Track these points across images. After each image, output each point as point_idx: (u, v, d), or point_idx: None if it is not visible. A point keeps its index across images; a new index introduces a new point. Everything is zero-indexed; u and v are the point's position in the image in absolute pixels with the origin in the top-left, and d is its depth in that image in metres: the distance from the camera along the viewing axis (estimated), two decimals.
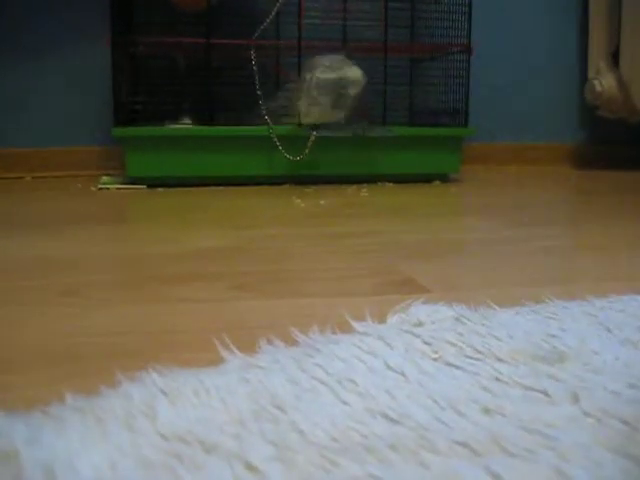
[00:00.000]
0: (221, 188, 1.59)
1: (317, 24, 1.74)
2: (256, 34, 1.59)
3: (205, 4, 1.56)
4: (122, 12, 1.64)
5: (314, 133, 1.59)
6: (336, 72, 1.54)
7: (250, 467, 0.32)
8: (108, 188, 1.57)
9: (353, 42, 1.82)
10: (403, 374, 0.44)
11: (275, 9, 1.60)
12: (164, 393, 0.40)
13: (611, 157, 2.26)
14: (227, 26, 1.68)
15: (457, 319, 0.54)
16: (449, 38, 1.76)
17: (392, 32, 1.71)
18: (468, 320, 0.54)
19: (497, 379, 0.43)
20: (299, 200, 1.37)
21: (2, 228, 1.05)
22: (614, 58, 2.08)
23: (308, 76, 1.54)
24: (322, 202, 1.34)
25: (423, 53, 1.90)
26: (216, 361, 0.47)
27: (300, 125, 1.58)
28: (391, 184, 1.68)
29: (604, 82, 2.06)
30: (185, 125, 1.61)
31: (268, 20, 1.59)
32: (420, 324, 0.53)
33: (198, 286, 0.71)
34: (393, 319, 0.56)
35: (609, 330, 0.52)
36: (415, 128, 1.78)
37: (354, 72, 1.57)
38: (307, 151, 1.59)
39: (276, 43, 1.76)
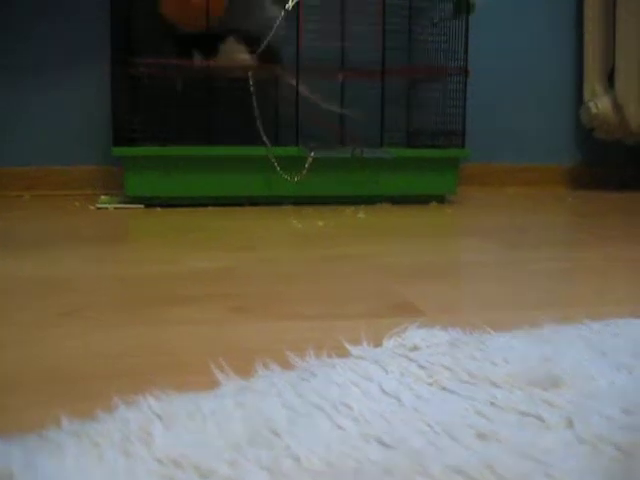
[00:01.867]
0: (219, 208, 1.60)
1: (315, 46, 1.75)
2: (255, 55, 1.60)
3: (205, 24, 1.57)
4: (122, 32, 1.65)
5: (312, 154, 1.60)
6: None
7: None
8: (107, 207, 1.58)
9: (351, 64, 1.83)
10: (398, 399, 0.44)
11: (273, 31, 1.61)
12: (160, 417, 0.40)
13: (607, 178, 2.26)
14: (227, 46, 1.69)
15: (453, 343, 0.54)
16: (446, 60, 1.77)
17: (390, 54, 1.72)
18: (464, 344, 0.54)
19: (492, 404, 0.43)
20: (296, 221, 1.37)
21: (0, 247, 1.05)
22: (609, 80, 2.09)
23: None
24: (320, 223, 1.34)
25: (420, 75, 1.92)
26: (212, 384, 0.47)
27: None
28: (388, 205, 1.68)
29: (599, 104, 2.07)
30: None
31: (266, 42, 1.60)
32: (416, 348, 0.53)
33: (195, 308, 0.71)
34: (389, 343, 0.56)
35: (604, 354, 0.53)
36: (412, 149, 1.79)
37: None
38: (305, 172, 1.60)
39: (274, 65, 1.77)
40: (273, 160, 1.59)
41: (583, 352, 0.53)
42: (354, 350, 0.54)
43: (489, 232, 1.26)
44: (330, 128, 1.84)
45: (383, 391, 0.45)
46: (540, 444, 0.38)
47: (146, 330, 0.62)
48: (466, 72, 1.71)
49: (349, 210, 1.57)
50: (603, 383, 0.47)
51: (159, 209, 1.57)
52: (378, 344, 0.56)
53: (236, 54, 1.61)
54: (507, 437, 0.38)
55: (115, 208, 1.58)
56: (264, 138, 1.59)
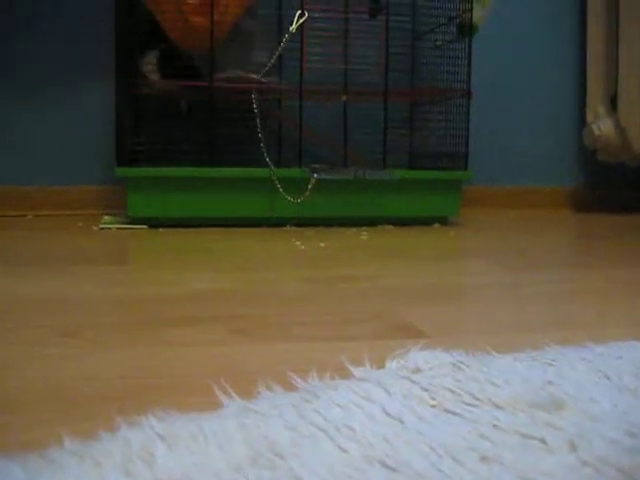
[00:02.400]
0: (222, 229, 1.60)
1: (319, 68, 1.76)
2: (258, 77, 1.61)
3: (208, 45, 1.58)
4: (126, 52, 1.66)
5: (315, 176, 1.60)
6: None
7: None
8: (110, 228, 1.58)
9: (354, 86, 1.84)
10: (401, 421, 0.44)
11: (277, 52, 1.62)
12: (162, 438, 0.40)
13: (610, 201, 2.27)
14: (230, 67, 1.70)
15: (455, 365, 0.54)
16: (449, 83, 1.78)
17: (392, 76, 1.73)
18: (466, 366, 0.54)
19: (495, 426, 0.43)
20: (299, 242, 1.37)
21: (3, 266, 1.05)
22: (612, 103, 2.10)
23: None
24: (322, 244, 1.35)
25: (423, 97, 1.92)
26: (214, 406, 0.47)
27: None
28: (391, 227, 1.68)
29: (602, 126, 2.08)
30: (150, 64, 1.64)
31: (270, 63, 1.61)
32: (418, 370, 0.53)
33: (196, 329, 0.71)
34: (391, 365, 0.56)
35: (607, 377, 0.52)
36: (415, 171, 1.79)
37: None
38: (308, 193, 1.60)
39: (278, 87, 1.78)
40: (276, 181, 1.59)
41: (586, 374, 0.53)
42: (357, 372, 0.54)
43: (491, 254, 1.26)
44: (333, 149, 1.85)
45: (386, 413, 0.45)
46: (543, 467, 0.37)
47: (147, 351, 0.62)
48: (469, 94, 1.72)
49: (351, 232, 1.58)
50: (606, 406, 0.46)
51: (162, 230, 1.57)
52: (381, 366, 0.56)
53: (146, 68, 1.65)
54: (510, 460, 0.38)
55: (118, 228, 1.58)
56: (267, 159, 1.59)
